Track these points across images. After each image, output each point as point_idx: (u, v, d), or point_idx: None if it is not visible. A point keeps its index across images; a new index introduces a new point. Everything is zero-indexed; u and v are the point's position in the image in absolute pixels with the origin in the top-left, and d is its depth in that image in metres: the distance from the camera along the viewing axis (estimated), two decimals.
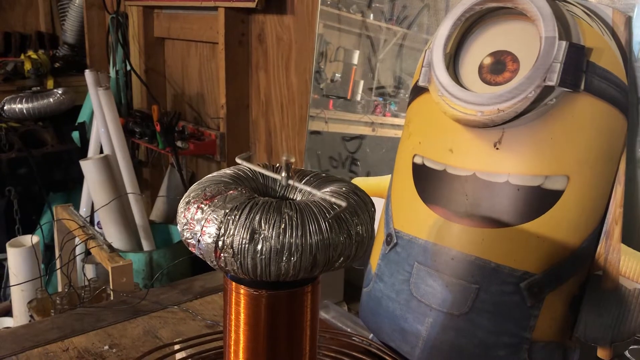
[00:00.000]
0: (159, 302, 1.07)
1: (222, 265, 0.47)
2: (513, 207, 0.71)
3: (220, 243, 0.46)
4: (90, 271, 1.49)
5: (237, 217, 0.46)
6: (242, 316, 0.53)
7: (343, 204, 0.46)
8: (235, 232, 0.46)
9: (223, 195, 0.49)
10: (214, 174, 0.57)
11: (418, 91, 0.84)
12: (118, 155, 1.72)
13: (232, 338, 0.55)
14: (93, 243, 1.24)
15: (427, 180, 0.80)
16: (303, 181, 0.57)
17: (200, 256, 0.49)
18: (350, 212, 0.49)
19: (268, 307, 0.52)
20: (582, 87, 0.67)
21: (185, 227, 0.50)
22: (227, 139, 1.72)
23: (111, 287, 1.10)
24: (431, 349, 0.75)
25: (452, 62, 0.80)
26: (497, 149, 0.72)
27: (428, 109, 0.82)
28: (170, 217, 2.05)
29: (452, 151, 0.77)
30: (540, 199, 0.69)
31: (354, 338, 0.86)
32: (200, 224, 0.48)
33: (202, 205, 0.49)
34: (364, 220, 0.51)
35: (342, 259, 0.48)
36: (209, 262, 0.49)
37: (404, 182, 0.83)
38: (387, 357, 0.80)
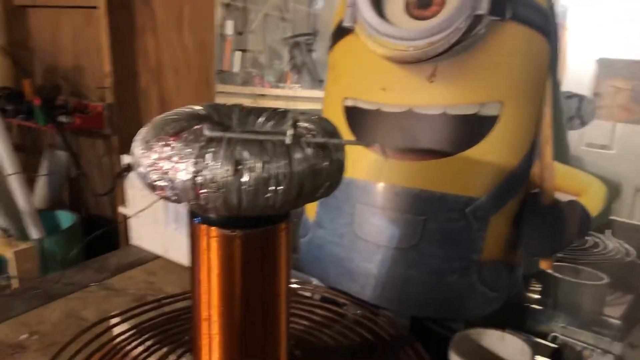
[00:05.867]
0: (74, 283, 0.98)
1: (203, 203, 0.43)
2: (452, 137, 0.72)
3: (199, 179, 0.42)
4: None
5: (218, 149, 0.42)
6: (214, 261, 0.50)
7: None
8: (218, 166, 0.42)
9: (191, 130, 0.45)
10: (160, 116, 0.52)
11: (342, 33, 0.83)
12: None
13: (203, 287, 0.51)
14: None
15: (361, 122, 0.80)
16: (262, 118, 0.54)
17: (174, 197, 0.44)
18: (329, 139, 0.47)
19: (243, 247, 0.49)
20: (509, 15, 0.70)
21: (150, 169, 0.45)
22: (117, 109, 1.60)
23: (16, 273, 0.99)
24: (383, 284, 0.76)
25: (376, 0, 0.79)
26: (432, 82, 0.74)
27: (355, 50, 0.81)
28: (55, 202, 1.88)
29: (385, 89, 0.77)
30: (477, 126, 0.71)
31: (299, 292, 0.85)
32: (172, 162, 0.43)
33: (170, 142, 0.44)
34: (339, 146, 0.49)
35: (327, 183, 0.46)
36: (184, 202, 0.44)
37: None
38: (341, 299, 0.79)
